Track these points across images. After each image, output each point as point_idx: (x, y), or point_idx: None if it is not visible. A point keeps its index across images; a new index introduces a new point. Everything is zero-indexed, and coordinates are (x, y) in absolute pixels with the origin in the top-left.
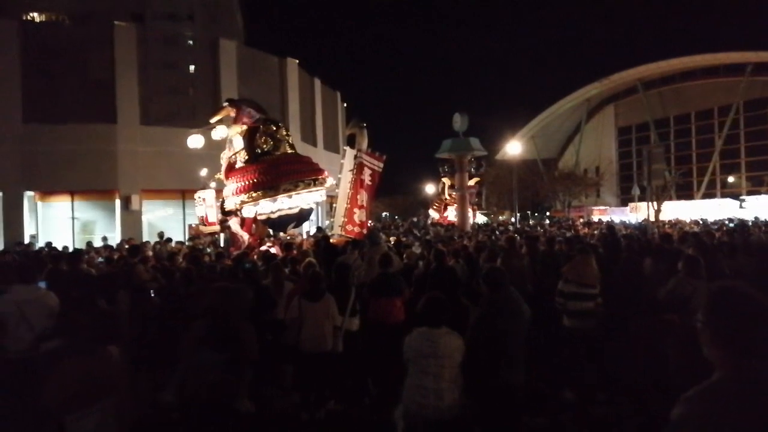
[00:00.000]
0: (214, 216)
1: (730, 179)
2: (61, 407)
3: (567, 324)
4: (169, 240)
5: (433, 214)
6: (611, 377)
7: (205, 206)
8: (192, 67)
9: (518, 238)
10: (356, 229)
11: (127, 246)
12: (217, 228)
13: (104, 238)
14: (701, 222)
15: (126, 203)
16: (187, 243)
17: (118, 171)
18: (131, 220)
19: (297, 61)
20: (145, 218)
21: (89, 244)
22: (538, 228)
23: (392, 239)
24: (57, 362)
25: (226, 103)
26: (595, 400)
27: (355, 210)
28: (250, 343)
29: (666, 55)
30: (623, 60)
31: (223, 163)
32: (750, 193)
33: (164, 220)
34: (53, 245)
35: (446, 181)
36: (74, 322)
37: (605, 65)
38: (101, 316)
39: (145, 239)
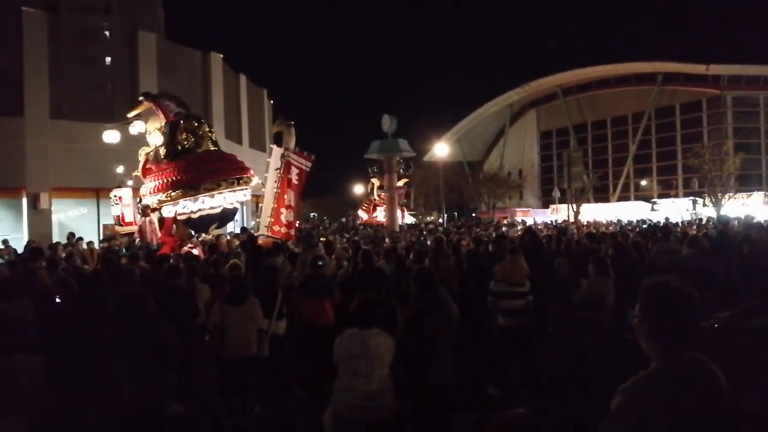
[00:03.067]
0: (130, 215)
1: (643, 183)
2: None
3: (501, 322)
4: (80, 239)
5: (362, 214)
6: (534, 373)
7: (121, 205)
8: (108, 60)
9: (445, 238)
10: (283, 230)
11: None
12: (134, 228)
13: (5, 241)
14: (616, 223)
15: (34, 202)
16: (101, 244)
17: (25, 167)
18: (40, 219)
19: (221, 56)
20: (56, 218)
21: None
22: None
23: (321, 239)
24: None
25: (141, 98)
26: (520, 396)
27: (282, 210)
28: (173, 346)
29: (582, 64)
30: (543, 67)
31: (141, 159)
32: (661, 196)
33: (77, 220)
34: None
35: (375, 181)
36: None
37: (526, 71)
38: (3, 322)
39: (55, 240)
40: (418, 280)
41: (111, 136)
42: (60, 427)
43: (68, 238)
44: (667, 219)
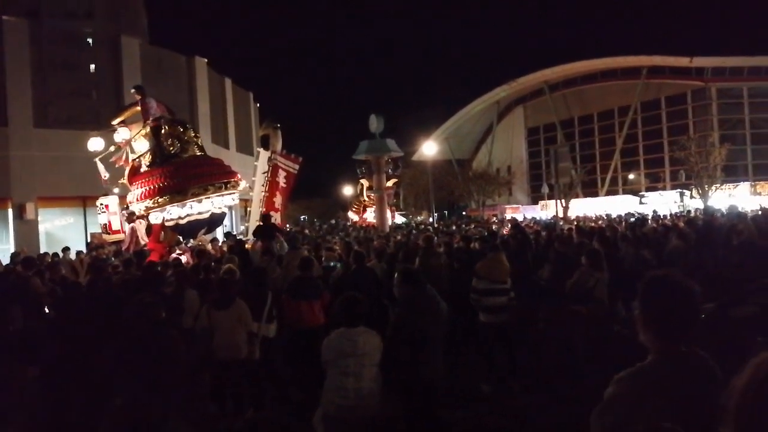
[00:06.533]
0: (117, 223)
1: (631, 176)
2: None
3: (483, 319)
4: (67, 249)
5: (353, 216)
6: (524, 368)
7: (107, 213)
8: (93, 67)
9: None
10: None
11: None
12: (121, 236)
13: None
14: (605, 217)
15: (20, 212)
16: (89, 253)
17: (10, 177)
18: (26, 229)
19: (206, 60)
20: (43, 228)
21: None
22: (453, 227)
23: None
24: None
25: (132, 90)
26: (510, 391)
27: (271, 213)
28: (181, 356)
29: (567, 59)
30: (529, 63)
31: (127, 167)
32: (648, 189)
33: (64, 230)
34: None
35: (364, 182)
36: None
37: (512, 68)
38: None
39: (42, 250)
40: (401, 280)
41: (95, 144)
42: None
43: (63, 252)
44: (654, 211)
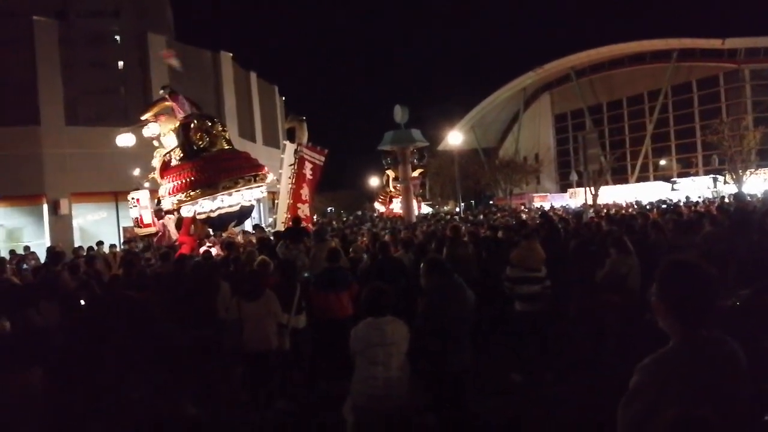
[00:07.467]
0: (149, 217)
1: (662, 162)
2: None
3: (518, 308)
4: (101, 243)
5: (379, 207)
6: (557, 357)
7: (139, 207)
8: (120, 64)
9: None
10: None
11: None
12: (153, 230)
13: (26, 248)
14: (636, 204)
15: (54, 208)
16: (122, 246)
17: (44, 175)
18: (61, 225)
19: (231, 54)
20: (76, 223)
21: (12, 252)
22: (481, 216)
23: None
24: None
25: (162, 91)
26: (541, 381)
27: (299, 205)
28: (182, 349)
29: (594, 44)
30: (555, 49)
31: (157, 162)
32: (680, 175)
33: (97, 224)
34: None
35: (390, 173)
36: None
37: (538, 55)
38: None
39: (76, 245)
40: (428, 269)
41: (125, 140)
42: None
43: (97, 246)
44: (687, 198)
